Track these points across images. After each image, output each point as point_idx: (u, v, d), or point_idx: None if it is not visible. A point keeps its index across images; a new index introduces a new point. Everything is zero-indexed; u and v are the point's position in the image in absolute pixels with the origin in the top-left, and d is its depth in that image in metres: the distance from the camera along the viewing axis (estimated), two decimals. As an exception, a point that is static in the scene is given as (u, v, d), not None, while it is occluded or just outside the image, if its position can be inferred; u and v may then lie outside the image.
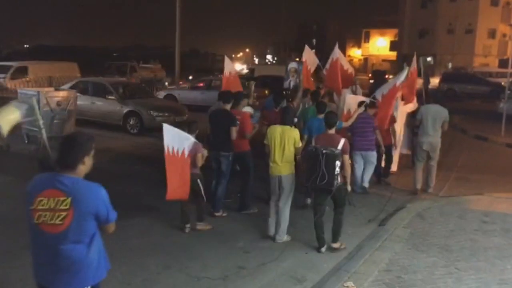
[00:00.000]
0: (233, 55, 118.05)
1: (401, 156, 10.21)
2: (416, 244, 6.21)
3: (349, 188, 6.30)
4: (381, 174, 9.28)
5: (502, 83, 27.68)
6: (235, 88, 8.86)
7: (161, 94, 19.97)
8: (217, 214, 7.23)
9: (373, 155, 8.40)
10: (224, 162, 7.21)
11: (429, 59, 37.19)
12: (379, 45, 67.22)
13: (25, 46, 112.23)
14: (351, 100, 8.97)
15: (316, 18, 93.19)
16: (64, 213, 2.90)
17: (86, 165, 3.06)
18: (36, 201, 2.94)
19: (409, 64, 9.78)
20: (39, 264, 3.06)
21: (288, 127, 6.23)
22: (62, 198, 2.91)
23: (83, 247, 2.99)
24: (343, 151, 5.86)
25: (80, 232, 2.96)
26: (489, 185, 9.40)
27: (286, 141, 6.12)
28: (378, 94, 9.04)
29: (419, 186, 8.76)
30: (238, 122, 7.11)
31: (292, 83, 9.94)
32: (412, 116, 9.61)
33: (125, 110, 13.88)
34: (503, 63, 38.26)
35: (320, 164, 5.67)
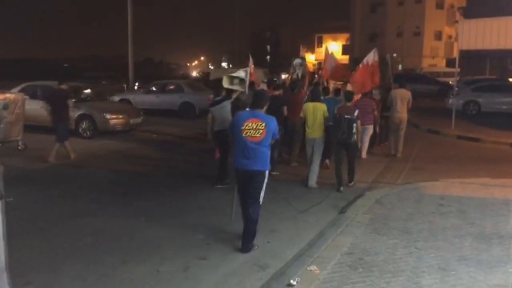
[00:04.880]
0: (188, 64, 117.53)
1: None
2: (376, 228, 6.24)
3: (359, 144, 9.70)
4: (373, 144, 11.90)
5: (450, 82, 28.68)
6: (257, 78, 11.75)
7: (115, 99, 19.52)
8: (273, 173, 8.67)
9: (370, 128, 10.88)
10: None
11: (394, 55, 39.74)
12: (332, 49, 68.39)
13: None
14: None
15: (269, 25, 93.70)
16: (261, 130, 5.45)
17: (266, 106, 5.75)
18: (245, 124, 5.47)
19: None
20: (243, 158, 5.51)
21: (318, 102, 8.72)
22: (260, 123, 5.47)
23: (267, 148, 5.56)
24: (357, 117, 8.27)
25: (267, 141, 5.50)
26: (443, 173, 9.62)
27: (317, 112, 8.52)
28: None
29: (394, 151, 11.42)
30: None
31: (299, 74, 12.34)
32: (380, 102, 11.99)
33: (77, 113, 13.39)
34: (450, 63, 39.73)
35: (343, 126, 8.18)
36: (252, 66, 11.56)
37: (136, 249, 5.65)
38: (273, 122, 5.57)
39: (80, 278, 4.88)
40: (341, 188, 8.28)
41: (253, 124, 5.45)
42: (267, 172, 5.61)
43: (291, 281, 4.64)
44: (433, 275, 4.81)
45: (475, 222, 6.43)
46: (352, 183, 8.59)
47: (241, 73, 8.32)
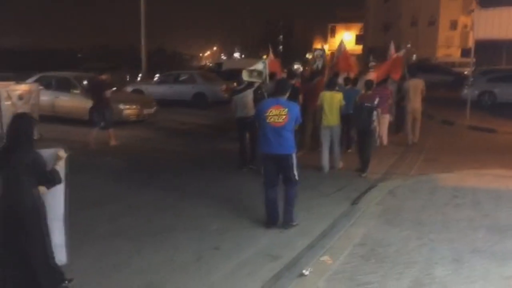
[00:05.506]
0: (201, 54, 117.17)
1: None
2: (389, 219, 6.23)
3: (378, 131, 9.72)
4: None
5: (465, 72, 28.29)
6: (277, 68, 11.42)
7: (128, 89, 19.61)
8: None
9: (386, 117, 10.88)
10: None
11: (409, 45, 39.92)
12: (345, 39, 67.74)
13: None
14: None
15: (282, 14, 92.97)
16: (284, 116, 5.84)
17: (288, 93, 6.14)
18: (268, 111, 5.87)
19: (375, 57, 12.71)
20: (268, 143, 5.91)
21: (334, 92, 8.92)
22: (282, 109, 5.87)
23: (290, 133, 5.94)
24: (377, 105, 8.69)
25: (289, 125, 5.89)
26: (457, 164, 9.54)
27: (334, 101, 8.74)
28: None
29: (409, 140, 11.62)
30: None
31: (319, 65, 12.61)
32: (396, 91, 12.30)
33: (91, 104, 13.47)
34: (465, 53, 39.20)
35: (363, 114, 8.55)
36: (272, 56, 11.92)
37: (151, 238, 5.71)
38: (295, 108, 6.02)
39: (96, 266, 4.95)
40: (363, 175, 8.64)
41: (276, 110, 5.86)
42: (293, 155, 5.99)
43: (303, 271, 4.65)
44: (446, 266, 4.80)
45: (489, 214, 6.38)
46: (365, 174, 8.63)
47: (259, 66, 8.81)
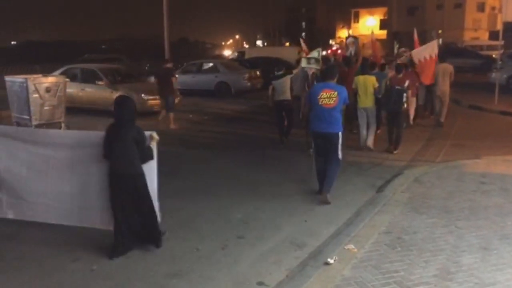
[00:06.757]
0: (223, 43, 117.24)
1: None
2: (415, 207, 6.16)
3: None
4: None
5: (493, 56, 27.60)
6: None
7: (152, 79, 19.75)
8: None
9: (413, 99, 11.41)
10: None
11: (440, 31, 40.53)
12: (369, 24, 66.64)
13: (12, 42, 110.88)
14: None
15: (304, 1, 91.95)
16: (334, 98, 6.48)
17: (336, 77, 6.83)
18: (320, 94, 6.52)
19: (399, 42, 12.80)
20: (319, 122, 6.58)
21: (367, 75, 9.49)
22: (332, 92, 6.51)
23: (339, 114, 6.57)
24: (407, 88, 9.20)
25: (339, 107, 6.53)
26: (485, 150, 9.36)
27: (367, 84, 9.30)
28: (416, 58, 12.09)
29: (442, 119, 12.09)
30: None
31: (352, 52, 13.08)
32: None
33: (116, 95, 13.66)
34: (493, 35, 38.17)
35: (393, 96, 9.03)
36: (303, 42, 13.52)
37: (176, 227, 5.76)
38: (344, 91, 6.65)
39: (123, 256, 5.02)
40: (395, 152, 9.27)
41: (327, 93, 6.53)
42: (340, 133, 6.63)
43: (329, 260, 4.65)
44: (474, 254, 4.74)
45: (519, 201, 6.25)
46: (396, 151, 9.28)
47: (314, 54, 9.72)
